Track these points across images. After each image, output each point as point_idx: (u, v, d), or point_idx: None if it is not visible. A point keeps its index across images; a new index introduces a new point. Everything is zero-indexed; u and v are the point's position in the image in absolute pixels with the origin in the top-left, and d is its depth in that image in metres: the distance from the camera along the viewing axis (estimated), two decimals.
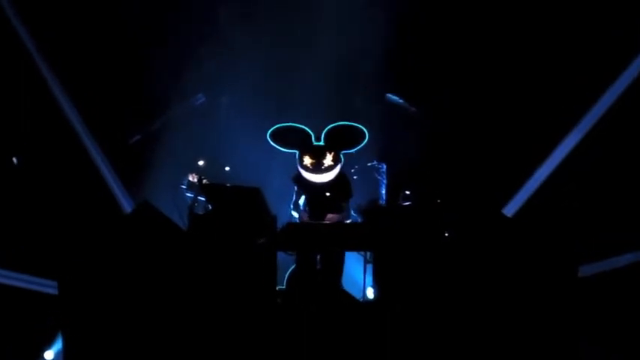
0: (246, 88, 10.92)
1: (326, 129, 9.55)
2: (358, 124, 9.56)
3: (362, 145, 9.57)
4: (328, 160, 9.43)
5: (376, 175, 10.28)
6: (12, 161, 11.01)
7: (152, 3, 11.13)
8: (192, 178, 9.30)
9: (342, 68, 10.85)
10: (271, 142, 9.61)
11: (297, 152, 9.52)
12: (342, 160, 9.54)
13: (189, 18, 11.19)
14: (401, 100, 11.17)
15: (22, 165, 11.00)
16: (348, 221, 9.53)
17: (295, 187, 9.63)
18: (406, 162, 10.50)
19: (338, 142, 9.52)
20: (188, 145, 10.72)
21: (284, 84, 10.71)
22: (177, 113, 11.37)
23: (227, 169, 10.61)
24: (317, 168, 9.42)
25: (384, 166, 10.21)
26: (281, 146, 9.61)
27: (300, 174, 9.57)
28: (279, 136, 9.60)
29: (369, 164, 10.28)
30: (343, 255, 9.27)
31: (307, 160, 9.45)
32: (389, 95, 11.19)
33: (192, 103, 11.46)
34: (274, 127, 9.60)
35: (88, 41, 11.04)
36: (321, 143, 9.54)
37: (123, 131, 11.30)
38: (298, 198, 9.60)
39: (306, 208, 9.58)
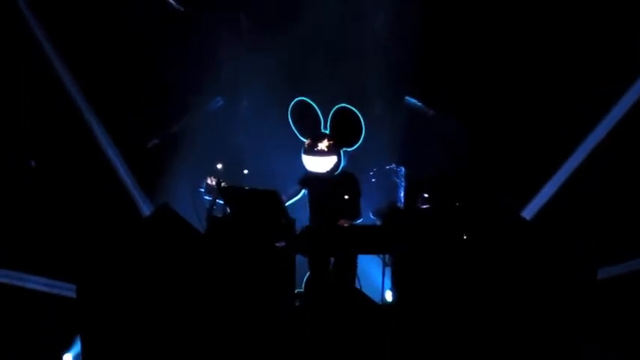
0: (265, 91, 10.92)
1: (330, 113, 9.73)
2: (360, 115, 9.69)
3: (359, 139, 9.69)
4: (323, 144, 9.62)
5: (394, 178, 10.24)
6: (30, 164, 11.03)
7: (172, 8, 11.15)
8: (211, 181, 9.29)
9: (361, 70, 10.85)
10: (290, 120, 9.88)
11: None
12: (343, 157, 9.67)
13: (209, 21, 11.20)
14: (419, 103, 11.16)
15: (40, 168, 11.03)
16: (359, 221, 9.60)
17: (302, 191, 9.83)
18: (425, 165, 10.47)
19: (338, 129, 9.71)
20: (206, 149, 10.72)
21: (303, 87, 10.69)
22: (195, 116, 11.38)
23: (245, 172, 10.60)
24: (310, 149, 9.65)
25: (403, 169, 10.17)
26: (296, 127, 9.87)
27: (305, 175, 9.75)
28: (296, 115, 9.89)
29: (387, 167, 10.26)
30: (356, 256, 9.31)
31: (306, 142, 9.69)
32: (408, 98, 11.18)
33: (211, 107, 11.47)
34: (294, 102, 9.86)
35: (106, 45, 11.07)
36: (326, 131, 9.76)
37: (141, 135, 11.31)
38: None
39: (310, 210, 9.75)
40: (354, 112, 9.65)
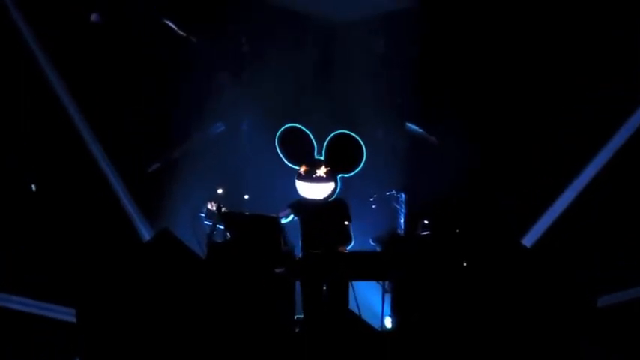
0: (265, 116, 10.94)
1: (327, 140, 9.67)
2: (361, 142, 9.68)
3: (359, 166, 9.67)
4: (321, 171, 9.60)
5: (395, 205, 10.26)
6: (31, 189, 11.04)
7: (174, 32, 11.19)
8: (211, 206, 9.30)
9: (362, 96, 10.87)
10: (278, 147, 9.81)
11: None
12: (339, 184, 9.64)
13: (210, 46, 11.23)
14: (420, 130, 11.18)
15: (40, 192, 11.03)
16: (350, 245, 9.58)
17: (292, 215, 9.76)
18: (425, 191, 10.48)
19: (336, 156, 9.66)
20: (207, 174, 10.73)
21: (304, 113, 10.72)
22: (196, 141, 11.39)
23: (246, 197, 10.62)
24: (308, 176, 9.60)
25: (403, 196, 10.19)
26: (285, 154, 9.78)
27: (297, 201, 9.70)
28: (287, 142, 9.81)
29: (387, 193, 10.27)
30: (348, 282, 9.29)
31: (302, 169, 9.64)
32: (408, 125, 11.20)
33: (212, 132, 11.48)
34: (284, 128, 9.79)
35: (109, 71, 11.09)
36: (321, 157, 9.71)
37: (142, 159, 11.32)
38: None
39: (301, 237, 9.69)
40: (355, 138, 9.65)
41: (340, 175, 9.70)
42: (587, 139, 10.65)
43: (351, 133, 9.68)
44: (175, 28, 11.26)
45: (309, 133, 9.80)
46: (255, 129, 11.25)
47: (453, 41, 10.96)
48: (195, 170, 10.94)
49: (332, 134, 9.71)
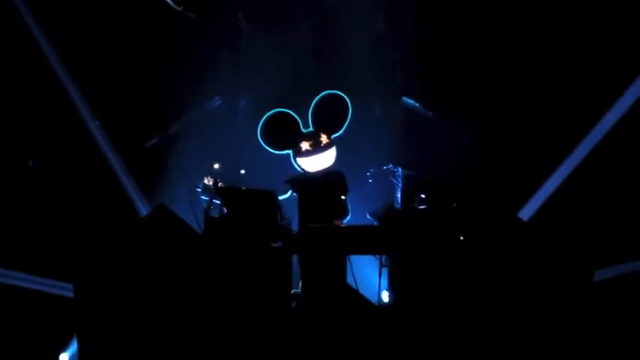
0: (263, 91, 10.91)
1: (310, 109, 9.75)
2: (340, 93, 9.77)
3: (347, 118, 9.70)
4: (324, 138, 9.68)
5: (392, 179, 10.26)
6: (27, 163, 11.03)
7: (171, 9, 11.17)
8: (208, 181, 9.29)
9: (358, 72, 10.85)
10: (264, 144, 9.83)
11: (291, 151, 9.79)
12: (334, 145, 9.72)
13: (208, 22, 11.20)
14: (417, 104, 11.17)
15: (37, 167, 11.02)
16: (347, 218, 9.66)
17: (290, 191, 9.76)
18: (422, 166, 10.48)
19: (325, 119, 9.76)
20: (204, 149, 10.73)
21: (301, 88, 10.70)
22: (193, 116, 11.37)
23: (242, 172, 10.61)
24: (316, 148, 9.67)
25: (400, 170, 10.19)
26: (274, 145, 9.82)
27: (294, 177, 9.72)
28: (270, 133, 9.84)
29: (384, 168, 10.26)
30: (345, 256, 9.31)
31: (305, 145, 9.69)
32: (405, 99, 11.19)
33: (209, 107, 11.47)
34: (262, 124, 9.81)
35: (105, 45, 11.06)
36: (311, 129, 9.76)
37: (139, 134, 11.31)
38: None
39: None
40: (332, 94, 9.71)
41: (334, 136, 9.76)
42: (584, 115, 10.67)
43: (327, 92, 9.74)
44: (172, 3, 11.23)
45: (288, 111, 9.80)
46: (253, 104, 11.23)
47: (452, 18, 10.95)
48: (192, 145, 10.93)
49: (312, 103, 9.75)
